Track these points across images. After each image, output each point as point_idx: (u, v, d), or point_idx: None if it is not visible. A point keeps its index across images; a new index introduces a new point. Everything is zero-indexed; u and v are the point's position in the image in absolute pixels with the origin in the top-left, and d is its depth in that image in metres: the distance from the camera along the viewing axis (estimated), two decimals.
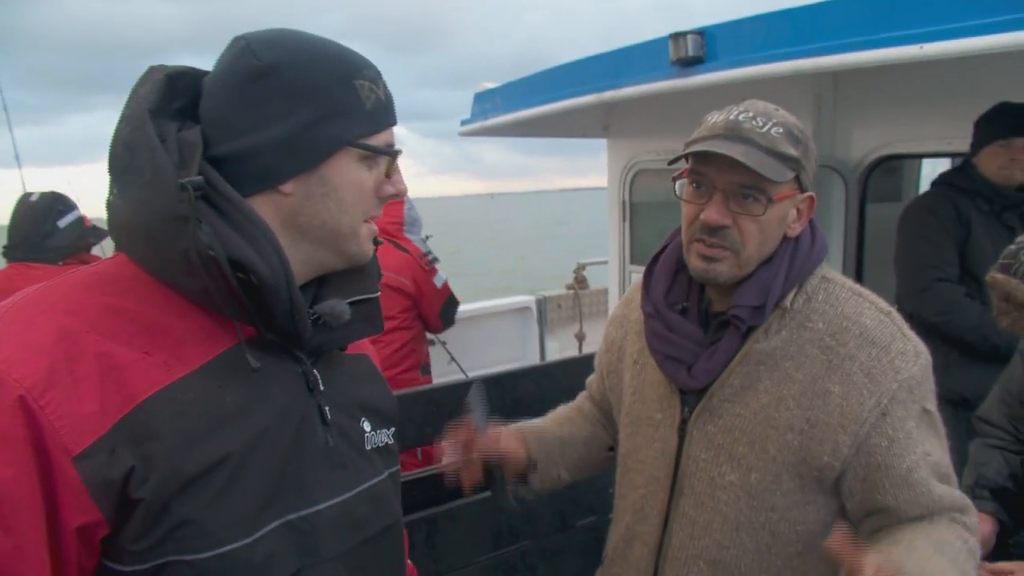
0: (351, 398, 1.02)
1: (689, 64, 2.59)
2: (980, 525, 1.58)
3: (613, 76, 2.97)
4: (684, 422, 1.31)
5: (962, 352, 2.48)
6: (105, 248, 2.75)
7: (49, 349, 0.77)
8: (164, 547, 0.79)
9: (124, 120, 0.87)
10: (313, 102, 0.87)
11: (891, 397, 1.17)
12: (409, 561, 1.19)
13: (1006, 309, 1.68)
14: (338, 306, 0.96)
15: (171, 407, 0.80)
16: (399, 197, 1.00)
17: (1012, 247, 1.69)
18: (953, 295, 2.51)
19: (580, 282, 6.04)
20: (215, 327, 0.88)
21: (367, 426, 1.04)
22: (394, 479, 1.09)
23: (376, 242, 1.00)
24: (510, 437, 1.41)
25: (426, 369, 3.56)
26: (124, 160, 0.85)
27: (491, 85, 3.99)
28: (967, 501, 1.24)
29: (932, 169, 3.13)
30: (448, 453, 1.33)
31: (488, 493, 1.40)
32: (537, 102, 3.44)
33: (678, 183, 1.28)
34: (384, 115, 0.94)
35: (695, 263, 1.24)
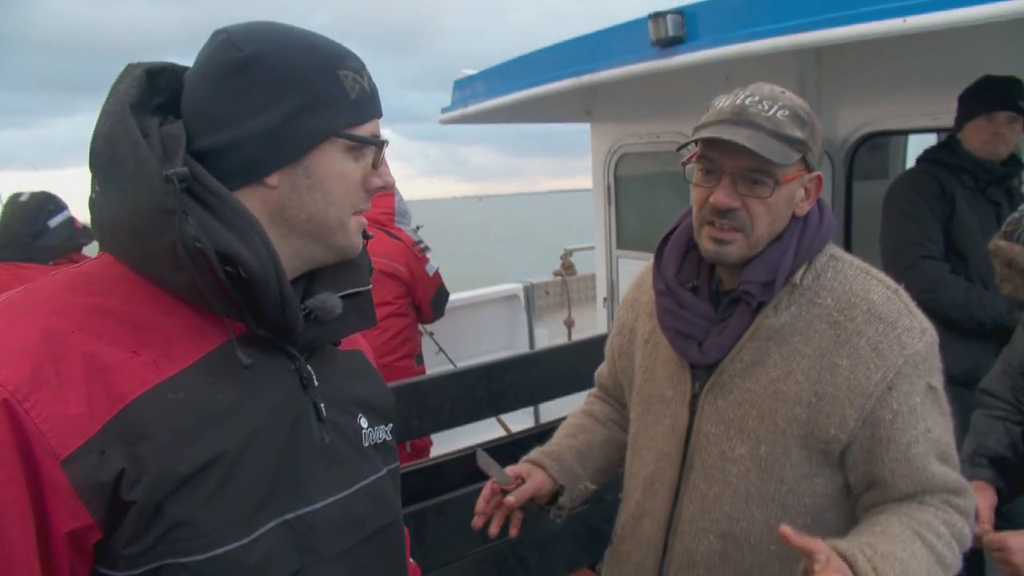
0: (346, 394, 1.01)
1: (669, 44, 2.55)
2: (980, 495, 1.58)
3: (593, 59, 2.93)
4: (695, 398, 1.33)
5: (948, 329, 2.47)
6: (96, 249, 2.70)
7: (33, 350, 0.75)
8: (158, 550, 0.78)
9: (104, 116, 0.85)
10: (296, 93, 0.86)
11: (897, 372, 1.19)
12: (412, 560, 1.18)
13: (1009, 276, 1.70)
14: (329, 300, 0.94)
15: (161, 406, 0.79)
16: (387, 189, 0.98)
17: (1016, 214, 1.70)
18: (938, 272, 2.50)
19: (568, 268, 6.01)
20: (204, 324, 0.86)
21: (364, 423, 1.02)
22: (393, 476, 1.07)
23: (366, 236, 0.99)
24: (532, 473, 1.47)
25: (420, 359, 3.57)
26: (106, 155, 0.84)
27: (471, 72, 3.93)
28: (963, 484, 1.25)
29: (919, 146, 3.11)
30: (485, 513, 1.42)
31: (477, 485, 1.45)
32: (517, 87, 3.40)
33: (687, 167, 1.31)
34: (369, 106, 0.93)
35: (706, 245, 1.27)
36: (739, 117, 1.19)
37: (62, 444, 0.73)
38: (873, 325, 1.21)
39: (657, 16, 2.54)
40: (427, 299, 3.44)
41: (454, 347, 4.20)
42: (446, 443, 2.95)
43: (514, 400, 2.54)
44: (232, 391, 0.85)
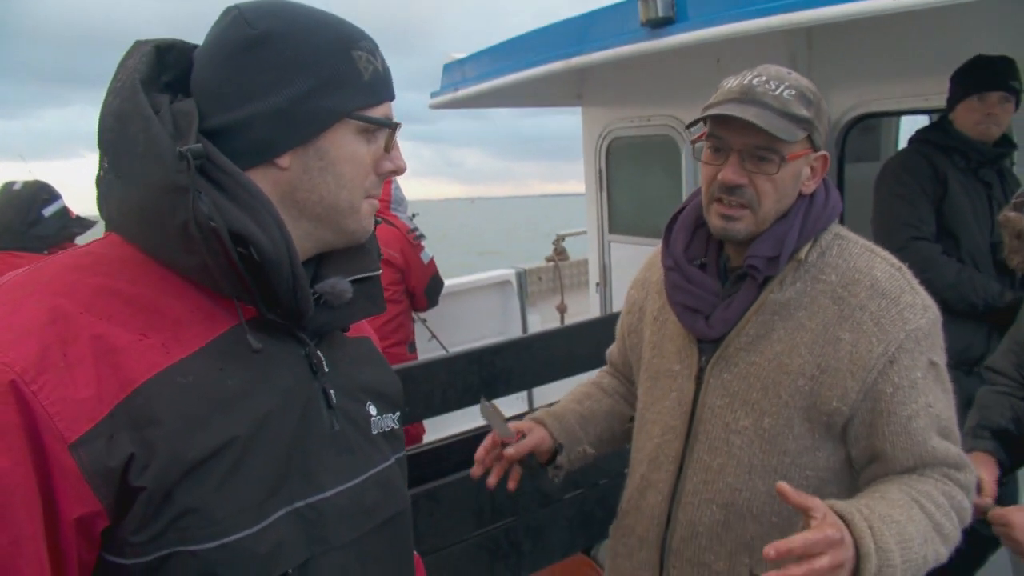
0: (356, 381, 0.99)
1: (659, 25, 2.52)
2: (982, 467, 1.59)
3: (582, 41, 2.90)
4: (701, 371, 1.36)
5: (941, 310, 2.48)
6: (90, 240, 2.70)
7: (40, 331, 0.73)
8: (167, 537, 0.76)
9: (113, 92, 0.83)
10: (309, 72, 0.84)
11: (899, 346, 1.21)
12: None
13: (1017, 247, 1.72)
14: (339, 284, 0.93)
15: (171, 390, 0.77)
16: (398, 174, 0.96)
17: None
18: (930, 253, 2.49)
19: (560, 254, 6.01)
20: (214, 307, 0.84)
21: (373, 410, 1.01)
22: (401, 465, 1.06)
23: (376, 221, 0.98)
24: (533, 429, 1.50)
25: (412, 347, 3.56)
26: (115, 132, 0.81)
27: (460, 55, 3.90)
28: (964, 459, 1.26)
29: (911, 127, 3.10)
30: (484, 463, 1.44)
31: (468, 472, 1.46)
32: (507, 70, 3.37)
33: (696, 146, 1.34)
34: (383, 87, 0.91)
35: (715, 222, 1.29)
36: (746, 96, 1.22)
37: (70, 428, 0.72)
38: (876, 300, 1.23)
39: None
40: (421, 287, 3.43)
41: (447, 334, 4.18)
42: (439, 429, 2.94)
43: (507, 385, 2.53)
44: (242, 376, 0.83)
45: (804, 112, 1.23)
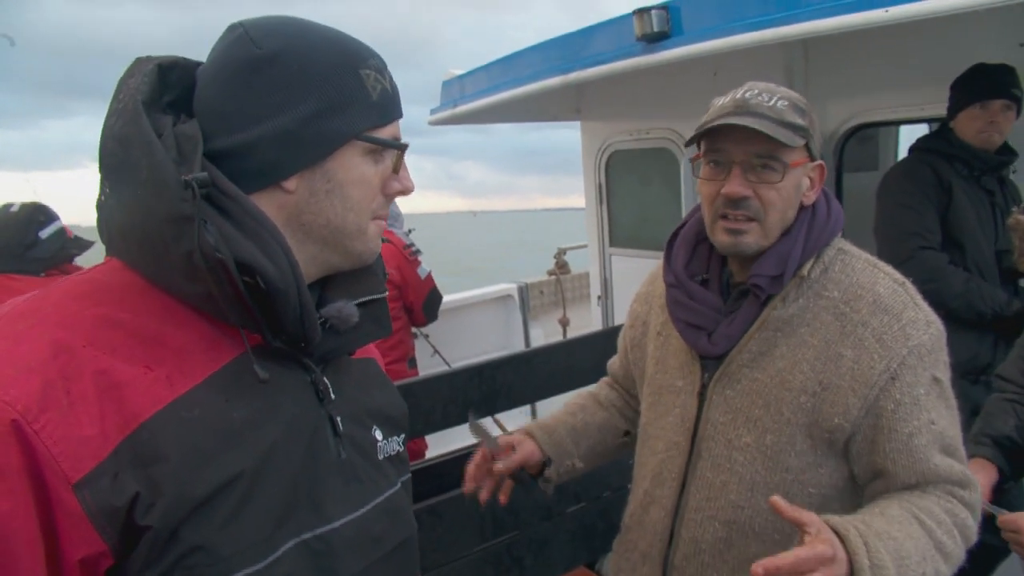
0: (362, 406, 0.97)
1: (655, 40, 2.53)
2: (979, 473, 1.57)
3: (580, 56, 2.92)
4: (704, 387, 1.35)
5: (946, 320, 2.46)
6: (88, 260, 2.69)
7: (43, 367, 0.71)
8: None
9: (115, 114, 0.80)
10: (317, 93, 0.82)
11: (901, 362, 1.20)
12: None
13: None
14: (346, 308, 0.90)
15: (176, 426, 0.75)
16: (406, 194, 0.93)
17: None
18: (937, 263, 2.47)
19: (561, 267, 6.01)
20: (218, 336, 0.82)
21: (379, 435, 0.98)
22: (407, 488, 1.04)
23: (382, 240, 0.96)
24: (523, 442, 1.50)
25: (413, 363, 3.54)
26: (117, 157, 0.79)
27: (459, 71, 3.92)
28: (969, 477, 1.24)
29: (911, 137, 3.10)
30: (475, 479, 1.43)
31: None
32: (505, 86, 3.38)
33: (694, 164, 1.33)
34: (391, 107, 0.88)
35: (722, 238, 1.28)
36: (741, 108, 1.22)
37: (74, 468, 0.69)
38: (878, 316, 1.22)
39: (642, 12, 2.53)
40: (419, 302, 3.42)
41: (449, 349, 4.18)
42: (441, 445, 2.93)
43: (508, 400, 2.52)
44: (247, 407, 0.81)
45: (800, 120, 1.23)
